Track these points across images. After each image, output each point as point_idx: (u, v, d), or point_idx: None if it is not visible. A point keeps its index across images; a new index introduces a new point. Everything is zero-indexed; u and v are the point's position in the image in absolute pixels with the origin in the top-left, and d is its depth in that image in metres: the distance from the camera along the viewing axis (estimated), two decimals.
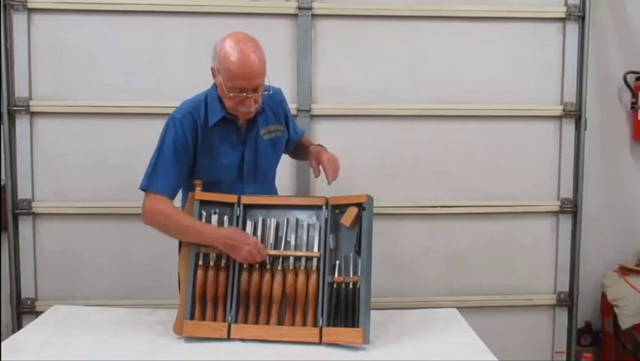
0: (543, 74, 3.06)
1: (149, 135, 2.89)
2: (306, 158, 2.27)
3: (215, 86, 2.08)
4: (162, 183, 2.00)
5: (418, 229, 3.07)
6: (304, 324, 1.89)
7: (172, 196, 2.04)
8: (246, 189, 2.10)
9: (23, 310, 2.94)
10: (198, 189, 2.01)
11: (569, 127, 3.08)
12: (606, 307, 3.12)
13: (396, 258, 3.03)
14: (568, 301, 3.14)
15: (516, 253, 3.11)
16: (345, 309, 1.86)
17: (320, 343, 1.84)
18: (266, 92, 2.02)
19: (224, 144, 2.08)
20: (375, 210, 1.94)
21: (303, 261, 1.94)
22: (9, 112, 2.85)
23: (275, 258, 1.95)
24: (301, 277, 1.91)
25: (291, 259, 1.94)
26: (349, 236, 1.93)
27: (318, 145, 2.27)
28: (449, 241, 3.08)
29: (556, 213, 3.12)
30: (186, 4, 2.88)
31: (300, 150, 2.39)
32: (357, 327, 1.82)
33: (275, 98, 2.17)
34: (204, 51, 2.88)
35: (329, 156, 2.15)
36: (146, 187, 2.01)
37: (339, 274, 1.90)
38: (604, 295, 3.13)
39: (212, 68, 2.03)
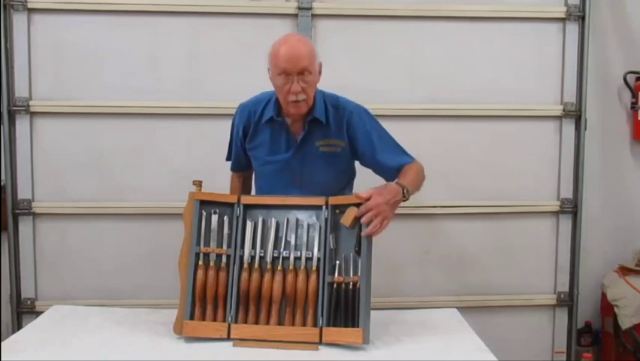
0: (543, 74, 3.06)
1: (148, 135, 2.94)
2: None
3: None
4: (229, 159, 2.32)
5: (418, 229, 3.07)
6: (304, 324, 1.88)
7: (234, 170, 2.34)
8: (290, 193, 2.08)
9: (23, 310, 2.94)
10: (198, 189, 2.01)
11: (569, 127, 3.08)
12: (606, 307, 3.12)
13: (396, 258, 3.03)
14: (568, 301, 3.14)
15: (516, 253, 3.11)
16: (345, 309, 1.86)
17: (320, 343, 1.84)
18: (310, 81, 1.99)
19: (273, 144, 2.14)
20: None
21: (303, 261, 1.94)
22: (9, 112, 2.86)
23: (275, 258, 1.95)
24: (301, 277, 1.90)
25: (291, 259, 1.94)
26: (349, 236, 1.93)
27: (397, 184, 2.03)
28: (449, 241, 3.08)
29: (556, 213, 3.12)
30: (186, 4, 2.88)
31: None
32: (357, 327, 1.81)
33: (343, 114, 2.12)
34: (204, 51, 2.94)
35: (376, 201, 1.87)
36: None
37: (339, 274, 1.90)
38: (604, 295, 3.12)
39: (268, 70, 2.03)
